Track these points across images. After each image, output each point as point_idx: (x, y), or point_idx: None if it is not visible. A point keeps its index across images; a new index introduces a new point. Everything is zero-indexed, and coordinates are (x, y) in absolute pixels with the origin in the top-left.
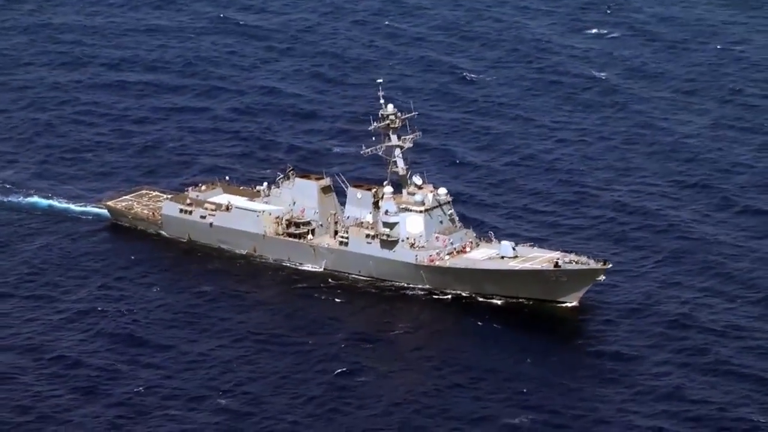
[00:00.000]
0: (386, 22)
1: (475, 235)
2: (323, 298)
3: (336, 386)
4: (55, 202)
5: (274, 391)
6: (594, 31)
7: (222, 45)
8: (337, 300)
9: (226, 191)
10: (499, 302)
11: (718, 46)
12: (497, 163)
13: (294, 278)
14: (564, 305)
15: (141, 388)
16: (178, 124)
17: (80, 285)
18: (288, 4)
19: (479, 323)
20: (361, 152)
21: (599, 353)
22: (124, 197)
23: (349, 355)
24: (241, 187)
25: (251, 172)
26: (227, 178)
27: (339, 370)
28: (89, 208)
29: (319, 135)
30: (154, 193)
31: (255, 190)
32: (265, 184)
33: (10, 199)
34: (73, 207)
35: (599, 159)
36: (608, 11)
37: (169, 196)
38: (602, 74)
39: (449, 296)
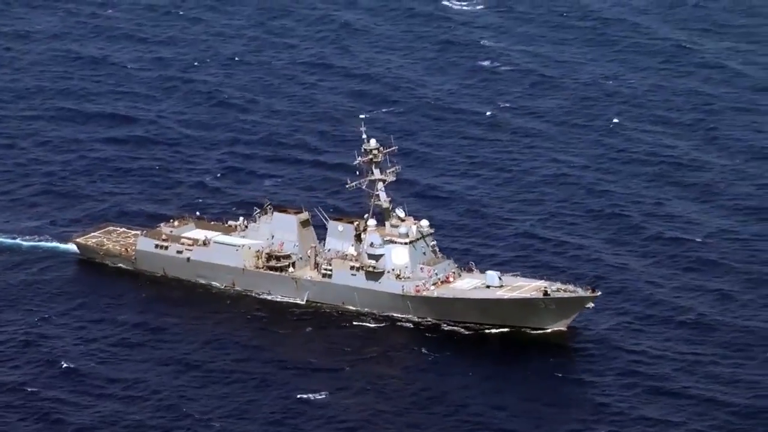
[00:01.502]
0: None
1: (456, 265)
2: (307, 330)
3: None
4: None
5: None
6: None
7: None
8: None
9: (198, 226)
10: (489, 330)
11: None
12: (470, 193)
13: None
14: (551, 331)
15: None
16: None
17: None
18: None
19: (464, 352)
20: (347, 186)
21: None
22: (92, 234)
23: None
24: (213, 222)
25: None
26: (198, 213)
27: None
28: (62, 246)
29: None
30: (121, 230)
31: (227, 225)
32: (242, 218)
33: None
34: (47, 245)
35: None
36: None
37: (142, 232)
38: None
39: (434, 325)
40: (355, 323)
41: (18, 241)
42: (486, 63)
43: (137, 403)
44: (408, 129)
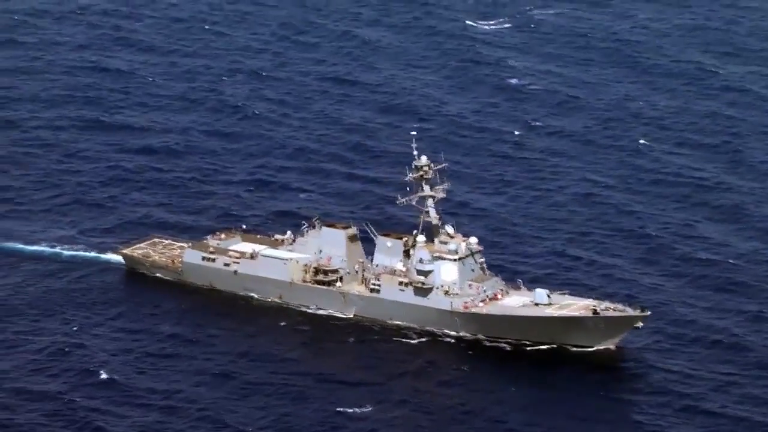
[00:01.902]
0: None
1: (504, 283)
2: (349, 343)
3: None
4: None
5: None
6: None
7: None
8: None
9: (245, 239)
10: (532, 347)
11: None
12: (499, 210)
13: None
14: (599, 349)
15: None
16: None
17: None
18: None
19: (505, 368)
20: (397, 202)
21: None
22: (138, 245)
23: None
24: (259, 236)
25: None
26: (243, 226)
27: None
28: (103, 256)
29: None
30: (167, 242)
31: (273, 239)
32: (289, 232)
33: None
34: (86, 254)
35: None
36: None
37: (189, 244)
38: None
39: (486, 343)
40: (396, 338)
41: (57, 250)
42: (510, 82)
43: (177, 414)
44: (435, 146)
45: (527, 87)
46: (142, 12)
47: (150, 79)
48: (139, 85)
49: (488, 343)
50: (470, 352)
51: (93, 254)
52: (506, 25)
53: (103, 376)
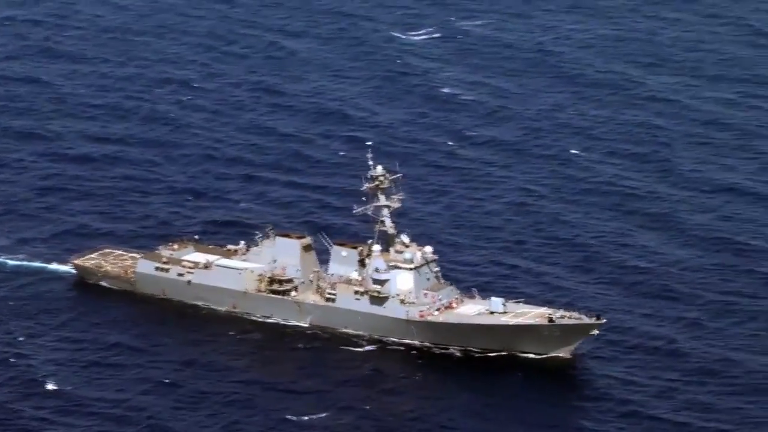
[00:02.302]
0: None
1: (459, 291)
2: (298, 353)
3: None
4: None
5: None
6: None
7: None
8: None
9: (197, 249)
10: (490, 355)
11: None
12: (433, 220)
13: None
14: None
15: None
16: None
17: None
18: None
19: (455, 375)
20: (353, 212)
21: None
22: (90, 256)
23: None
24: (211, 246)
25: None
26: (197, 237)
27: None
28: (49, 266)
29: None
30: (118, 252)
31: (226, 249)
32: (243, 242)
33: None
34: (35, 264)
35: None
36: None
37: (141, 255)
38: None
39: (439, 351)
40: (346, 346)
41: (1, 259)
42: (439, 93)
43: (126, 423)
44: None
45: (457, 97)
46: (69, 23)
47: (81, 90)
48: (70, 96)
49: (439, 351)
50: (420, 361)
51: (38, 264)
52: (432, 36)
53: (49, 386)
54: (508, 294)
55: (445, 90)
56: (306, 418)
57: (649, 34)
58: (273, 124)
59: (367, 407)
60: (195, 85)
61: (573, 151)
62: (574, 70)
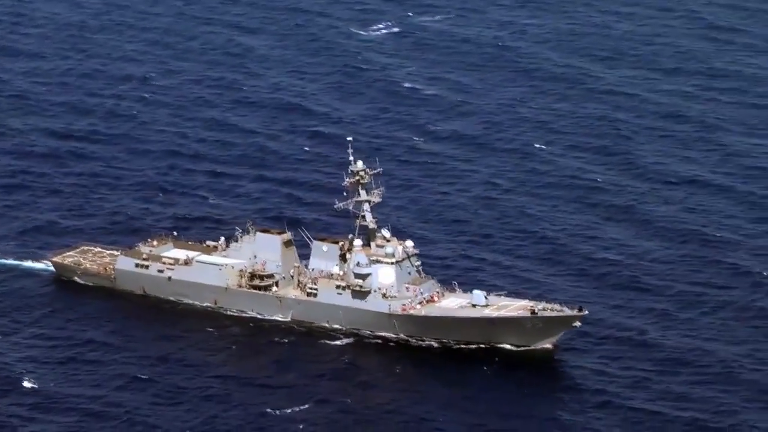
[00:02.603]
0: None
1: (440, 285)
2: (277, 347)
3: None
4: None
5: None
6: None
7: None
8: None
9: (176, 246)
10: (472, 347)
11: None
12: (401, 214)
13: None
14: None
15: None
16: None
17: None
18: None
19: (435, 368)
20: (335, 207)
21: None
22: (68, 253)
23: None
24: (190, 242)
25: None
26: (175, 233)
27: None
28: (28, 264)
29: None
30: (96, 249)
31: (206, 245)
32: (222, 239)
33: None
34: (8, 262)
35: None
36: None
37: (120, 251)
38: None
39: (421, 344)
40: (324, 341)
41: None
42: (399, 88)
43: (104, 418)
44: (331, 152)
45: (417, 92)
46: (26, 21)
47: (43, 87)
48: (31, 93)
49: (416, 344)
50: (398, 353)
51: (11, 261)
52: (390, 32)
53: (26, 383)
54: (483, 287)
55: (405, 85)
56: (286, 411)
57: (605, 27)
58: (236, 120)
59: (346, 400)
60: (155, 82)
61: (536, 145)
62: (531, 64)
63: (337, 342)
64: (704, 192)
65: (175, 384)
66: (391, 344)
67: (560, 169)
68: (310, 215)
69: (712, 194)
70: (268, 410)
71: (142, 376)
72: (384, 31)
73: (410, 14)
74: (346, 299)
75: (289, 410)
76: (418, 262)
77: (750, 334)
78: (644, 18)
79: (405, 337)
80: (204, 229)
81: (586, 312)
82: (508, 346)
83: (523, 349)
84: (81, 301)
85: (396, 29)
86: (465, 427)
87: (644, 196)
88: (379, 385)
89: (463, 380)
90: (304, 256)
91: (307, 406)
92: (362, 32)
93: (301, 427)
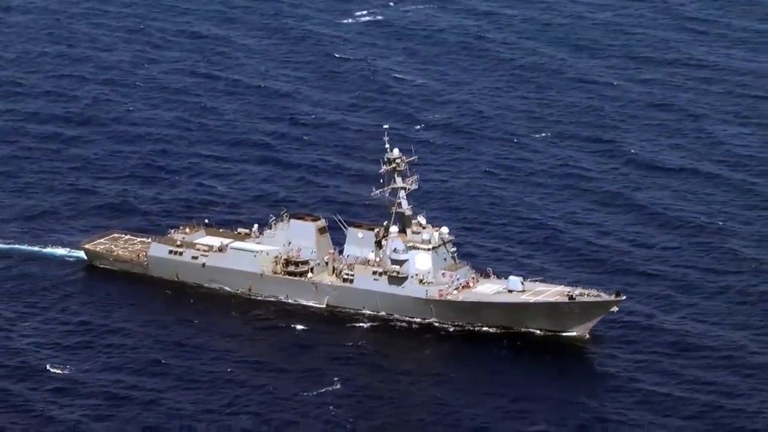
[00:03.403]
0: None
1: (474, 271)
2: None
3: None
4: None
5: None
6: None
7: None
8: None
9: (208, 233)
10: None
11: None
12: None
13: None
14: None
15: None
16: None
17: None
18: None
19: (494, 353)
20: (372, 194)
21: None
22: (99, 240)
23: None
24: (221, 230)
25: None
26: (206, 221)
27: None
28: (63, 251)
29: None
30: (126, 236)
31: (236, 232)
32: (256, 225)
33: None
34: (48, 250)
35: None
36: None
37: (153, 238)
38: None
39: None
40: (352, 324)
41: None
42: (379, 78)
43: (126, 401)
44: (315, 143)
45: (398, 81)
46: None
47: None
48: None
49: (443, 327)
50: (426, 338)
51: (41, 249)
52: (369, 20)
53: (50, 368)
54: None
55: (386, 74)
56: (305, 394)
57: (576, 18)
58: (223, 109)
59: (372, 383)
60: (138, 70)
61: (521, 134)
62: (509, 53)
63: (362, 325)
64: (693, 179)
65: (199, 368)
66: (416, 327)
67: (548, 157)
68: (308, 200)
69: (700, 181)
70: (288, 393)
71: (166, 361)
72: (358, 21)
73: (391, 3)
74: (382, 285)
75: (309, 393)
76: (453, 249)
77: (753, 317)
78: (620, 8)
79: (437, 323)
80: (211, 214)
81: (624, 297)
82: (539, 332)
83: (557, 334)
84: (113, 287)
85: (370, 19)
86: (486, 409)
87: (633, 183)
88: (404, 369)
89: (488, 363)
90: (340, 243)
91: (330, 389)
92: (337, 22)
93: (330, 408)
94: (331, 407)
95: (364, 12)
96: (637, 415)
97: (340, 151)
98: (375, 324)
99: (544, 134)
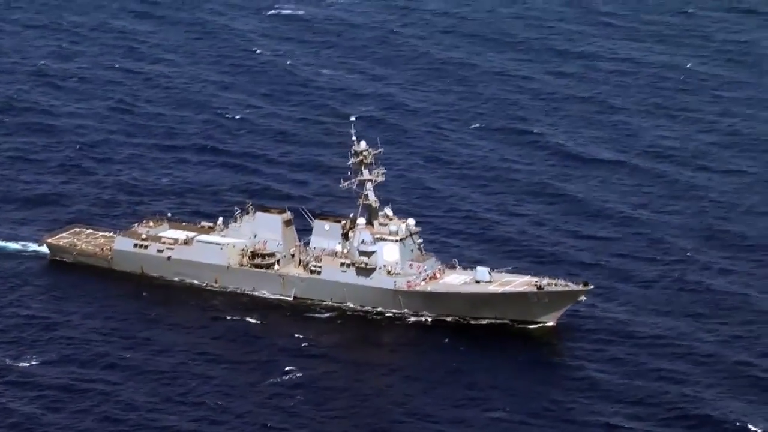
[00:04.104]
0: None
1: (440, 262)
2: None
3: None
4: None
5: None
6: None
7: None
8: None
9: (171, 227)
10: (476, 323)
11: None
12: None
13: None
14: (542, 325)
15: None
16: None
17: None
18: None
19: (456, 342)
20: (340, 186)
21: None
22: (61, 235)
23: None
24: (184, 223)
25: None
26: (169, 214)
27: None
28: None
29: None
30: (88, 231)
31: (199, 226)
32: (221, 219)
33: None
34: (7, 245)
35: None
36: None
37: (117, 232)
38: None
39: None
40: (308, 315)
41: None
42: (298, 75)
43: (79, 394)
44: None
45: (316, 79)
46: None
47: None
48: None
49: (399, 316)
50: (384, 327)
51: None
52: (282, 15)
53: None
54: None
55: (303, 73)
56: (262, 384)
57: (490, 12)
58: (143, 106)
59: (320, 374)
60: (56, 65)
61: (444, 128)
62: (424, 49)
63: (319, 316)
64: (620, 170)
65: (155, 362)
66: (374, 317)
67: (477, 149)
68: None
69: (627, 172)
70: (249, 383)
71: (124, 355)
72: (272, 20)
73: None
74: (350, 276)
75: (269, 383)
76: (420, 240)
77: (687, 305)
78: (532, 2)
79: (399, 313)
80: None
81: (592, 286)
82: (507, 322)
83: (526, 325)
84: (77, 281)
85: (284, 16)
86: (439, 398)
87: (557, 175)
88: (361, 360)
89: (446, 353)
90: (305, 235)
91: (286, 378)
92: (252, 19)
93: (287, 398)
94: (287, 397)
95: (272, 12)
96: (588, 401)
97: (271, 144)
98: (333, 315)
99: (472, 126)
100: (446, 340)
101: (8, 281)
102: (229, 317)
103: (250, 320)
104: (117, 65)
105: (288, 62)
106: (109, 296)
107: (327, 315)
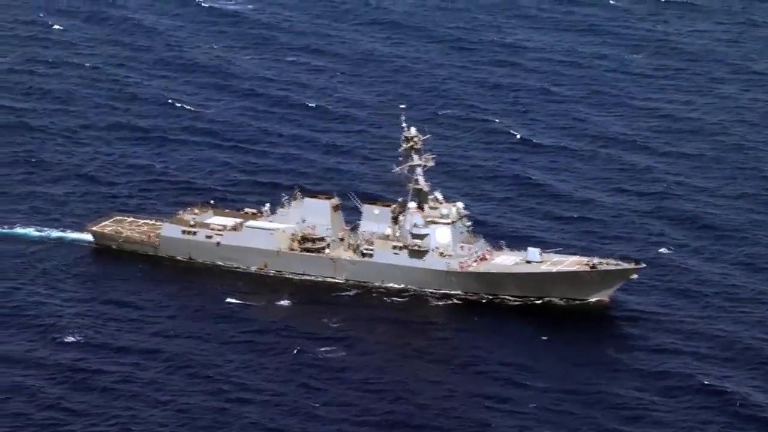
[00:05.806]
0: None
1: (488, 244)
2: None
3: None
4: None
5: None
6: None
7: None
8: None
9: (216, 214)
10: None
11: None
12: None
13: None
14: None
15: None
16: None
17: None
18: None
19: (519, 322)
20: (392, 171)
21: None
22: (104, 223)
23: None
24: (227, 210)
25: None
26: (212, 201)
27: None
28: (69, 234)
29: None
30: (130, 219)
31: (243, 212)
32: (268, 204)
33: None
34: (54, 233)
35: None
36: None
37: (155, 220)
38: None
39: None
40: (332, 292)
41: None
42: (218, 72)
43: (150, 365)
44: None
45: (232, 76)
46: None
47: None
48: None
49: (455, 297)
50: (441, 304)
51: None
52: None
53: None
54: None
55: (241, 63)
56: (280, 362)
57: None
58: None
59: (393, 346)
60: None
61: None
62: (321, 40)
63: (400, 299)
64: (568, 156)
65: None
66: (400, 300)
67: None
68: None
69: (575, 159)
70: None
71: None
72: (185, 18)
73: None
74: (403, 259)
75: (287, 362)
76: (469, 223)
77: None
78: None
79: (462, 294)
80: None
81: (644, 265)
82: (561, 301)
83: (578, 302)
84: (124, 267)
85: (215, 5)
86: (514, 368)
87: (534, 167)
88: (423, 332)
89: (508, 332)
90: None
91: (302, 357)
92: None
93: (305, 371)
94: (305, 371)
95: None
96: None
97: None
98: (378, 295)
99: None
100: (498, 320)
101: (59, 268)
102: (278, 302)
103: (293, 303)
104: (37, 58)
105: (220, 56)
106: (158, 282)
107: (374, 295)
